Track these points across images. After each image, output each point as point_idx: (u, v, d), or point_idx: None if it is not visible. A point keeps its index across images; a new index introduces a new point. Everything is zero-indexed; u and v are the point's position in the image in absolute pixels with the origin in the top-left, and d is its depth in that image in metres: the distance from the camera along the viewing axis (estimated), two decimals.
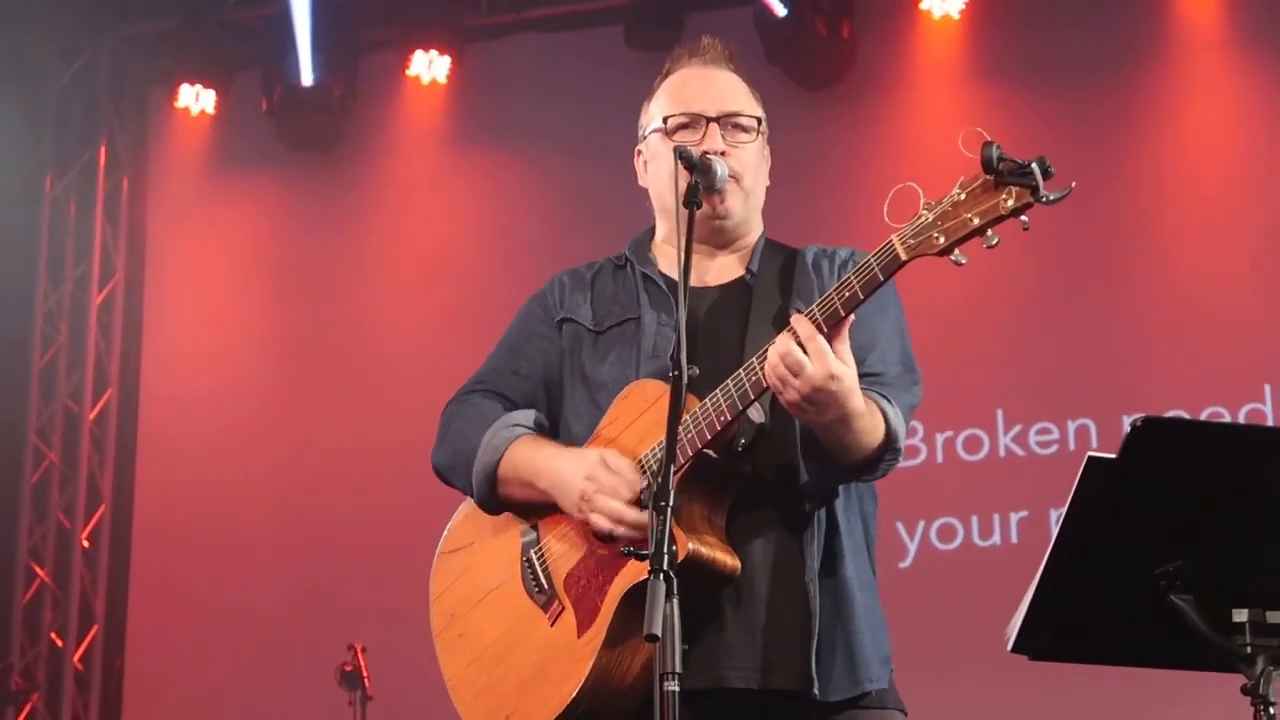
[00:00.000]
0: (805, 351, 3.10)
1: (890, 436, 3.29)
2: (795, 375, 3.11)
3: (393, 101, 9.64)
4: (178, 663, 9.07)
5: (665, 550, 2.84)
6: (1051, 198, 2.92)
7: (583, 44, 9.41)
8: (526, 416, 3.58)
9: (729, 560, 3.27)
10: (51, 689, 9.35)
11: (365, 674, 7.72)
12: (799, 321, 3.13)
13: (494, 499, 3.54)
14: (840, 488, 3.42)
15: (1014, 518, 8.17)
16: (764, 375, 3.16)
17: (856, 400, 3.17)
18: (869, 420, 3.23)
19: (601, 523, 3.30)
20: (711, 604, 3.29)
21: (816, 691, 3.28)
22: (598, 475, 3.32)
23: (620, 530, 3.28)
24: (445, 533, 3.69)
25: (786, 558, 3.34)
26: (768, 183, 3.66)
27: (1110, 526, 2.90)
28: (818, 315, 3.13)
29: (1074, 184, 2.92)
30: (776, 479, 3.36)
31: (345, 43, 9.56)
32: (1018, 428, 8.29)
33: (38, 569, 9.47)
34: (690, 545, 3.18)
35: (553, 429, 3.62)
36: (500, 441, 3.51)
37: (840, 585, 3.36)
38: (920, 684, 3.56)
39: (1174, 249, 8.40)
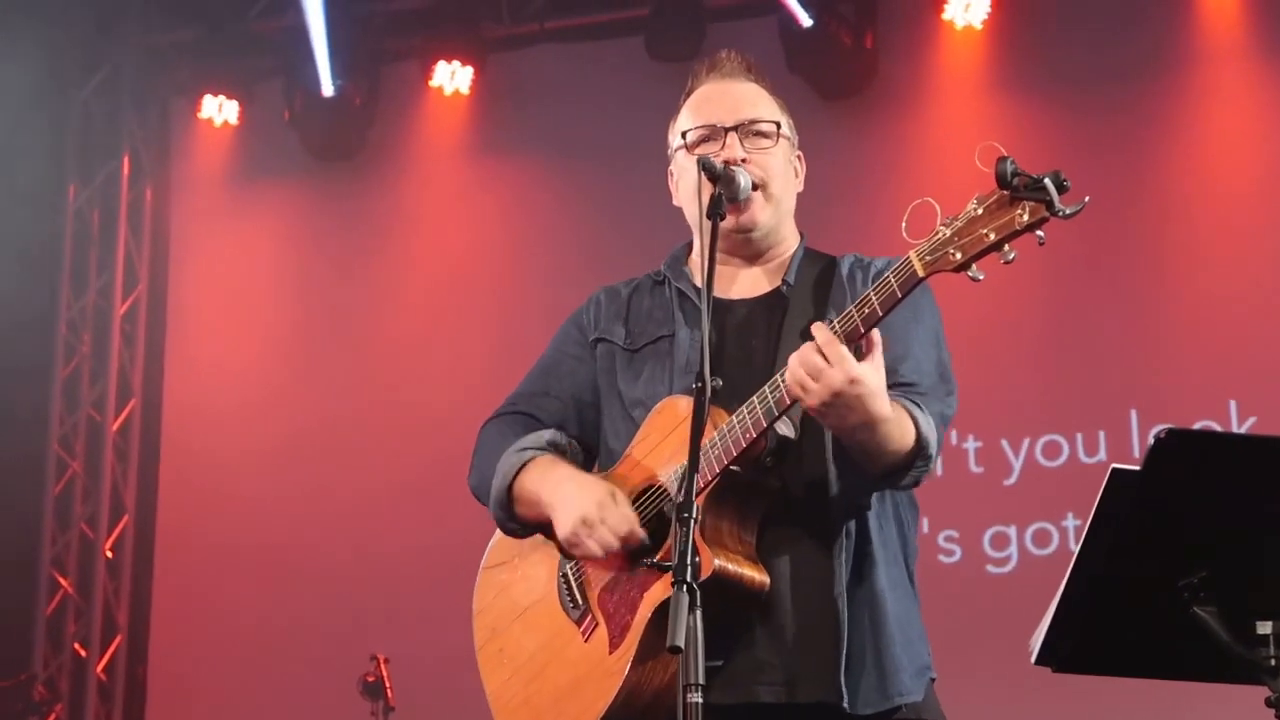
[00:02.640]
0: (826, 358, 3.09)
1: (921, 443, 3.27)
2: (815, 380, 3.10)
3: (415, 112, 9.67)
4: (200, 673, 9.10)
5: (689, 562, 2.84)
6: (1067, 212, 2.90)
7: (604, 54, 9.42)
8: (538, 439, 3.58)
9: (756, 576, 3.27)
10: (75, 699, 9.38)
11: (388, 684, 7.73)
12: (817, 329, 3.13)
13: (512, 522, 3.56)
14: (874, 497, 3.40)
15: (1030, 530, 8.15)
16: (786, 386, 3.16)
17: (881, 404, 3.15)
18: (896, 426, 3.21)
19: (595, 550, 3.33)
20: (742, 619, 3.29)
21: (846, 705, 3.27)
22: (606, 506, 3.34)
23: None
24: (488, 548, 3.70)
25: (816, 571, 3.33)
26: (800, 188, 3.65)
27: (1134, 538, 2.90)
28: (839, 331, 3.13)
29: (1088, 198, 2.90)
30: (805, 493, 3.35)
31: (367, 53, 9.59)
32: (1034, 440, 8.27)
33: (61, 579, 9.50)
34: (716, 561, 3.18)
35: (591, 448, 3.63)
36: (509, 467, 3.53)
37: (873, 596, 3.36)
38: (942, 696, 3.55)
39: (1197, 258, 8.37)
